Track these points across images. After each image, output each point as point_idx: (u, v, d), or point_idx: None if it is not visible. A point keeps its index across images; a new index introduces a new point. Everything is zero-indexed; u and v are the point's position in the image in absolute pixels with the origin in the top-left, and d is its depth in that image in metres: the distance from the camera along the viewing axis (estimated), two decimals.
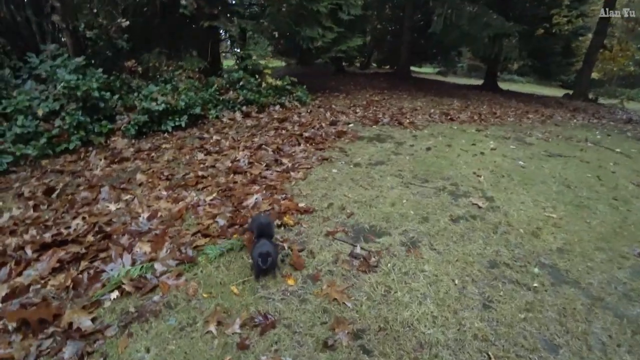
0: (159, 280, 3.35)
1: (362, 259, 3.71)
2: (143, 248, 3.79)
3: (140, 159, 6.76)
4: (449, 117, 11.13)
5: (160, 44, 10.50)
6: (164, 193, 5.26)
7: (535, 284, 3.47)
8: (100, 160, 6.70)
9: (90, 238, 3.97)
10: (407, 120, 9.91)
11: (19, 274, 3.55)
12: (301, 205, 4.75)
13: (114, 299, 3.17)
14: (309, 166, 6.22)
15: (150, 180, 5.72)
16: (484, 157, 7.47)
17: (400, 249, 3.97)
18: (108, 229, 4.20)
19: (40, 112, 7.09)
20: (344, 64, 23.18)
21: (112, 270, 3.47)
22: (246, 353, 2.64)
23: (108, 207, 4.79)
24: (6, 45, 8.70)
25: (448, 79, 26.23)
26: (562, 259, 3.91)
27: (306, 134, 7.95)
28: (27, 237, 4.14)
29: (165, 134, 8.20)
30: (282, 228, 4.28)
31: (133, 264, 3.56)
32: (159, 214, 4.63)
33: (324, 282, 3.38)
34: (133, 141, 7.70)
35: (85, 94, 7.25)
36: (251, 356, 2.62)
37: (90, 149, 7.22)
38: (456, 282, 3.51)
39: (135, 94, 8.51)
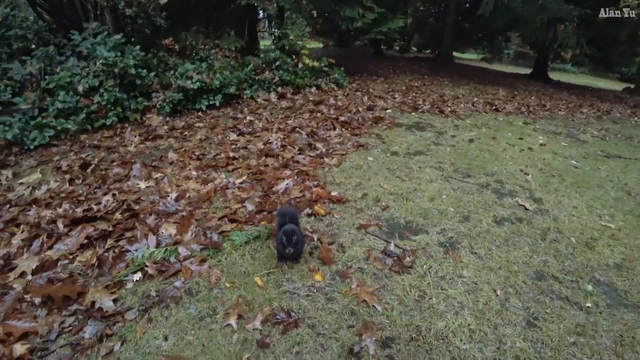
0: (182, 265, 3.24)
1: (395, 258, 3.42)
2: (168, 230, 3.70)
3: (174, 137, 6.73)
4: (493, 107, 10.37)
5: (198, 23, 10.40)
6: (194, 173, 5.17)
7: (588, 304, 3.04)
8: (135, 136, 6.74)
9: (118, 216, 3.93)
10: (449, 109, 9.30)
11: (50, 247, 3.56)
12: (334, 194, 4.49)
13: (136, 280, 3.09)
14: (344, 152, 5.93)
15: (181, 159, 5.65)
16: (532, 153, 6.84)
17: (437, 250, 3.64)
18: (136, 207, 4.15)
19: (80, 88, 7.21)
20: (382, 47, 22.30)
21: (136, 250, 3.40)
22: (266, 352, 2.46)
23: (138, 184, 4.75)
24: (52, 24, 8.89)
25: (493, 67, 24.66)
26: (620, 277, 3.42)
27: (342, 118, 7.63)
28: (60, 210, 4.18)
29: (199, 113, 8.14)
30: (313, 217, 4.05)
31: (157, 245, 3.47)
32: (187, 194, 4.53)
33: (354, 280, 3.13)
34: (167, 119, 7.70)
35: (122, 71, 7.28)
36: (271, 356, 2.44)
37: (126, 125, 7.29)
38: (498, 292, 3.15)
39: (172, 72, 8.49)
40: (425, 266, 3.39)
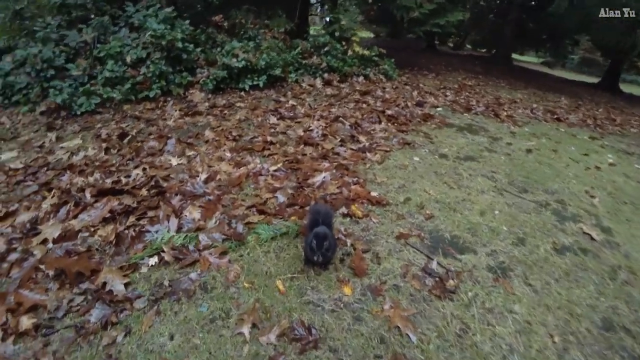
0: (201, 255, 2.96)
1: (437, 279, 2.94)
2: (193, 213, 3.44)
3: (213, 115, 6.52)
4: (555, 116, 9.32)
5: (249, 1, 10.11)
6: (228, 154, 4.90)
7: None
8: (175, 111, 6.61)
9: (144, 192, 3.73)
10: (505, 113, 8.43)
11: (75, 217, 3.42)
12: (374, 194, 4.04)
13: (151, 265, 2.85)
14: (388, 149, 5.42)
15: (217, 138, 5.41)
16: (600, 173, 5.96)
17: (486, 275, 3.11)
18: (164, 184, 3.94)
19: (128, 59, 7.17)
20: (436, 42, 21.07)
21: (157, 232, 3.16)
22: None
23: (170, 161, 4.56)
24: None
25: (554, 72, 22.64)
26: None
27: (389, 112, 7.08)
28: (91, 179, 4.06)
29: (242, 92, 7.90)
30: (348, 219, 3.63)
31: (179, 229, 3.22)
32: (218, 176, 4.27)
33: (387, 299, 2.70)
34: (209, 96, 7.52)
35: (169, 44, 7.13)
36: None
37: (169, 99, 7.18)
38: (555, 339, 2.60)
39: (218, 50, 8.28)
40: (470, 293, 2.89)
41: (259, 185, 4.15)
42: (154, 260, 2.88)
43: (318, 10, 15.76)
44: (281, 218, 3.55)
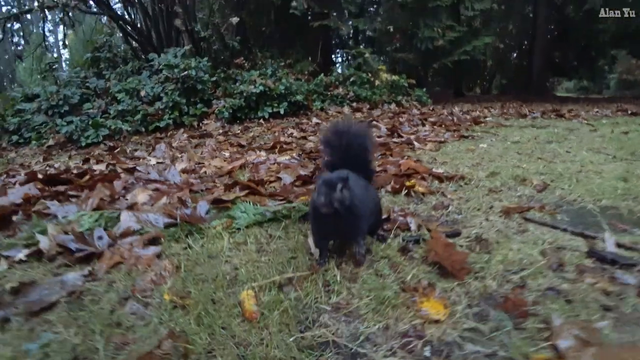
0: (116, 244, 1.41)
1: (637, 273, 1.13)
2: (137, 196, 1.97)
3: (224, 135, 5.38)
4: (629, 112, 7.33)
5: (271, 45, 9.74)
6: (226, 154, 3.56)
7: None
8: (184, 135, 5.57)
9: (86, 177, 2.38)
10: (568, 114, 6.67)
11: None
12: (437, 170, 2.41)
13: (19, 260, 1.34)
14: (442, 140, 3.88)
15: (218, 147, 4.14)
16: None
17: None
18: (120, 171, 2.58)
19: (142, 93, 6.52)
20: (463, 90, 20.06)
21: (66, 214, 1.71)
22: None
23: (149, 160, 3.26)
24: (138, 50, 8.88)
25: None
26: None
27: (431, 119, 5.65)
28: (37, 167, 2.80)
29: (261, 120, 6.83)
30: (403, 196, 2.01)
31: (97, 209, 1.74)
32: (204, 170, 2.87)
33: (558, 327, 0.93)
34: (225, 125, 6.50)
35: (183, 73, 6.40)
36: None
37: (181, 129, 6.22)
38: None
39: (237, 84, 7.53)
40: None
41: (259, 172, 2.68)
42: (25, 252, 1.37)
43: (340, 45, 15.33)
44: (282, 199, 1.99)
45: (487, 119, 6.46)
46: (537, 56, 14.52)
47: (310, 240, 1.39)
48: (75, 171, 2.64)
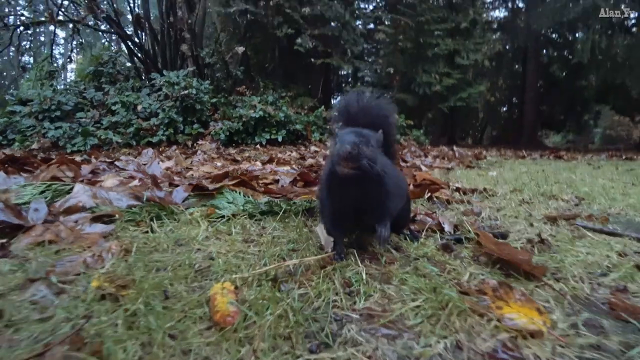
0: (56, 219, 1.03)
1: None
2: (106, 181, 1.61)
3: (216, 154, 5.08)
4: (624, 156, 7.31)
5: (276, 79, 9.83)
6: (218, 164, 3.23)
7: None
8: (176, 150, 5.26)
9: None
10: (566, 156, 6.60)
11: None
12: (456, 185, 2.12)
13: None
14: (449, 167, 3.63)
15: (210, 158, 3.83)
16: None
17: None
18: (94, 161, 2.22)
19: (139, 107, 6.30)
20: (456, 139, 20.52)
21: (10, 185, 1.33)
22: None
23: (129, 161, 2.91)
24: (141, 69, 8.86)
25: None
26: None
27: (433, 153, 5.48)
28: None
29: (258, 146, 6.58)
30: (426, 203, 1.69)
31: (54, 179, 1.37)
32: (190, 172, 2.53)
33: None
34: (221, 147, 6.23)
35: (182, 90, 6.25)
36: None
37: (174, 147, 5.93)
38: None
39: (236, 109, 7.40)
40: None
41: (251, 174, 2.34)
42: None
43: (340, 83, 15.53)
44: (279, 196, 1.64)
45: (487, 158, 6.34)
46: (528, 109, 15.02)
47: (320, 230, 1.03)
48: (42, 155, 2.28)
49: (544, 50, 15.59)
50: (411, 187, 1.83)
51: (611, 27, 10.67)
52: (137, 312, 0.62)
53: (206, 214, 1.27)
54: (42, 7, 9.28)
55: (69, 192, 1.25)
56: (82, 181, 1.45)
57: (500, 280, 0.76)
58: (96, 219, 1.07)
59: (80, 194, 1.20)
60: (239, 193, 1.48)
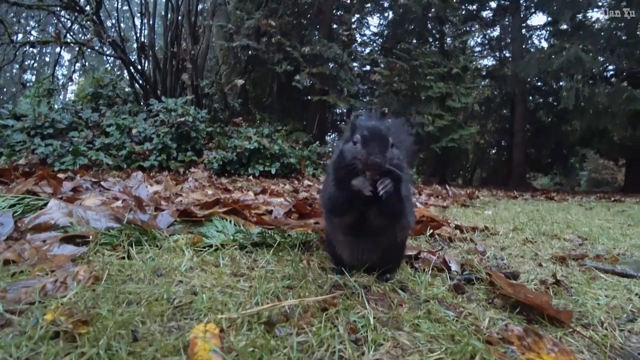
0: (13, 235, 0.91)
1: None
2: (87, 200, 1.50)
3: (208, 182, 4.98)
4: (612, 199, 7.39)
5: (272, 111, 10.00)
6: (209, 192, 3.13)
7: None
8: (167, 176, 5.14)
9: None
10: (557, 197, 6.66)
11: None
12: (456, 222, 2.06)
13: None
14: (444, 205, 3.59)
15: (201, 186, 3.73)
16: None
17: None
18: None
19: (134, 131, 6.26)
20: (447, 180, 20.83)
21: None
22: None
23: (116, 184, 2.79)
24: (140, 95, 8.94)
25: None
26: None
27: (427, 191, 5.47)
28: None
29: (250, 177, 6.51)
30: (427, 242, 1.62)
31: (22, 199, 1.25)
32: (179, 199, 2.42)
33: None
34: (213, 176, 6.14)
35: (180, 120, 6.25)
36: None
37: (166, 172, 5.82)
38: None
39: (232, 140, 7.42)
40: None
41: (241, 203, 2.25)
42: None
43: (335, 120, 15.83)
44: (272, 227, 1.54)
45: (480, 197, 6.35)
46: (517, 152, 15.42)
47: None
48: (25, 170, 2.16)
49: (531, 97, 16.37)
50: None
51: (593, 78, 11.30)
52: (94, 358, 0.50)
53: (192, 242, 1.16)
54: (51, 29, 9.53)
55: (42, 207, 1.14)
56: (60, 198, 1.34)
57: (526, 327, 0.66)
58: (67, 240, 0.96)
59: (54, 210, 1.09)
60: (230, 222, 1.38)
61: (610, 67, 13.09)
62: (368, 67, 13.27)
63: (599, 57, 11.00)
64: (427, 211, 2.20)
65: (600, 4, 12.71)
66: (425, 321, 0.70)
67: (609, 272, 1.19)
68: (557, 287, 0.96)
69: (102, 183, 2.50)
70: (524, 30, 16.54)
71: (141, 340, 0.57)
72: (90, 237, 0.99)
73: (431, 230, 1.62)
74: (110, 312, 0.64)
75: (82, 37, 7.96)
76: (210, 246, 1.13)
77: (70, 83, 9.65)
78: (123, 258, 0.95)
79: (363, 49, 15.18)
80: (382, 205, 0.86)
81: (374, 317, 0.70)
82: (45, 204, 1.14)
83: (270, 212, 1.93)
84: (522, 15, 15.96)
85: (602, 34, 12.05)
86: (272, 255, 1.10)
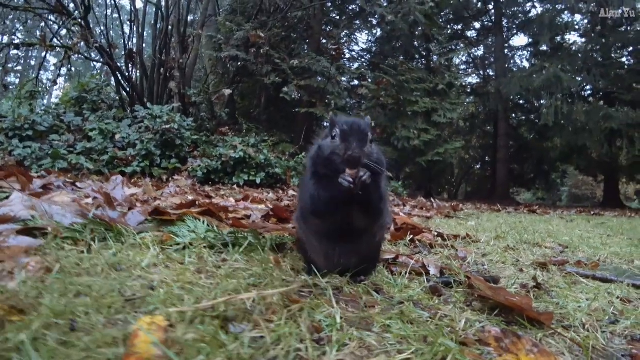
0: None
1: None
2: (55, 198, 1.42)
3: (191, 189, 4.87)
4: (591, 213, 7.59)
5: (259, 122, 9.98)
6: (190, 197, 3.03)
7: None
8: (149, 184, 5.01)
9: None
10: (540, 210, 6.78)
11: None
12: (438, 230, 2.04)
13: None
14: (428, 216, 3.59)
15: (183, 192, 3.64)
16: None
17: None
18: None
19: (117, 137, 6.12)
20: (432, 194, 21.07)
21: None
22: None
23: (92, 186, 2.68)
24: (126, 101, 8.80)
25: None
26: None
27: (411, 203, 5.49)
28: None
29: (235, 186, 6.40)
30: (407, 247, 1.58)
31: None
32: (157, 202, 2.33)
33: None
34: (197, 184, 6.02)
35: (165, 127, 6.15)
36: None
37: (148, 179, 5.67)
38: None
39: (217, 149, 7.33)
40: None
41: (220, 207, 2.18)
42: None
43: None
44: (245, 230, 1.48)
45: (464, 210, 6.40)
46: (500, 167, 15.75)
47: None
48: None
49: (514, 114, 16.86)
50: (392, 229, 1.72)
51: (571, 96, 11.73)
52: (19, 347, 0.44)
53: (160, 240, 1.10)
54: (40, 33, 9.34)
55: (4, 200, 1.06)
56: (30, 194, 1.26)
57: (504, 329, 0.62)
58: (25, 232, 0.88)
59: (16, 203, 1.01)
60: (203, 222, 1.31)
61: (588, 87, 13.68)
62: (356, 82, 13.48)
63: (577, 77, 11.46)
64: (409, 219, 2.18)
65: (577, 27, 13.31)
66: (397, 322, 0.65)
67: (590, 277, 1.17)
68: (538, 290, 0.94)
69: (77, 184, 2.40)
70: (506, 50, 17.18)
71: (79, 330, 0.51)
72: (50, 229, 0.92)
73: (411, 236, 1.59)
74: (53, 302, 0.57)
75: (69, 42, 7.82)
76: (179, 244, 1.07)
77: (55, 87, 9.41)
78: (83, 252, 0.88)
79: (351, 64, 15.44)
80: (365, 202, 0.83)
81: (341, 317, 0.65)
82: (8, 197, 1.06)
83: (249, 216, 1.87)
84: (504, 36, 16.60)
85: (580, 55, 12.59)
86: (242, 255, 1.04)
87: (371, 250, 0.97)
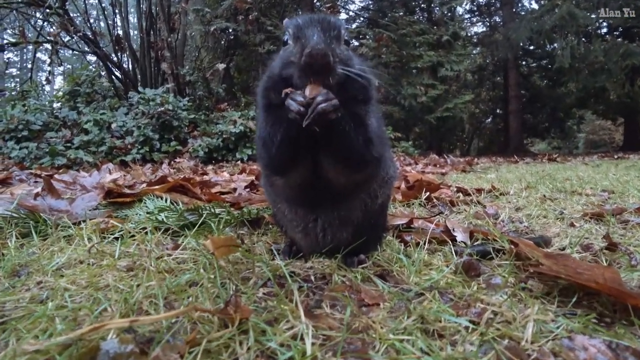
0: None
1: None
2: (14, 189, 1.17)
3: (191, 170, 4.65)
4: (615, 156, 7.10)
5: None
6: (182, 176, 2.79)
7: None
8: (149, 170, 4.81)
9: None
10: (560, 158, 6.36)
11: None
12: (457, 185, 1.73)
13: None
14: (443, 172, 3.26)
15: (176, 172, 3.40)
16: None
17: None
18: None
19: (113, 126, 5.89)
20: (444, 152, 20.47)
21: None
22: None
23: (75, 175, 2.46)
24: (120, 89, 8.50)
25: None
26: None
27: (424, 161, 5.14)
28: None
29: (238, 162, 6.16)
30: (422, 207, 1.26)
31: None
32: (143, 185, 2.09)
33: None
34: (199, 165, 5.79)
35: (160, 109, 5.86)
36: None
37: (149, 165, 5.47)
38: None
39: (217, 126, 7.04)
40: None
41: (211, 183, 1.92)
42: None
43: None
44: (230, 205, 1.22)
45: (480, 164, 6.03)
46: (513, 119, 15.00)
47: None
48: None
49: (524, 62, 15.80)
50: (403, 187, 1.42)
51: (586, 35, 10.76)
52: None
53: (102, 229, 0.84)
54: (30, 33, 8.96)
55: None
56: None
57: (610, 341, 0.35)
58: None
59: None
60: (166, 200, 1.06)
61: (604, 24, 12.49)
62: (355, 43, 12.71)
63: (592, 14, 10.37)
64: (423, 175, 1.88)
65: None
66: (415, 336, 0.38)
67: None
68: (612, 253, 0.65)
69: (56, 176, 2.17)
70: None
71: None
72: None
73: (427, 194, 1.29)
74: None
75: (49, 34, 7.44)
76: (122, 231, 0.82)
77: (48, 85, 9.15)
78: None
79: (349, 25, 14.54)
80: (339, 142, 0.53)
81: (315, 336, 0.38)
82: None
83: (235, 189, 1.61)
84: None
85: None
86: (197, 237, 0.78)
87: (371, 217, 0.68)
